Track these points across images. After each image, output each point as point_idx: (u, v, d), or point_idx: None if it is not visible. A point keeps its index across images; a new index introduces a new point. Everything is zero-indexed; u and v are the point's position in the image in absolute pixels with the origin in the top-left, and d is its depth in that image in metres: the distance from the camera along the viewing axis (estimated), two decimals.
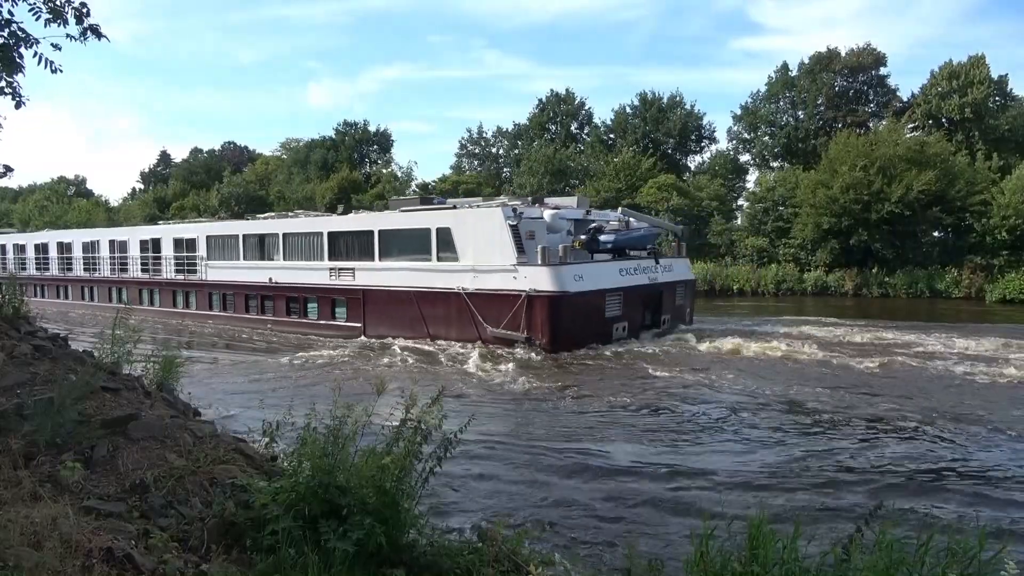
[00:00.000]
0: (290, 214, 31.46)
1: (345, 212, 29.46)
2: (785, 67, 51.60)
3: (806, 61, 50.71)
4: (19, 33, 5.69)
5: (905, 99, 48.85)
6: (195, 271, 29.92)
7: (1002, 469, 9.61)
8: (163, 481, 4.58)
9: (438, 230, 21.54)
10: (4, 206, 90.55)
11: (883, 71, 50.25)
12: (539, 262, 19.27)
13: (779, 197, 42.62)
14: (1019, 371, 15.49)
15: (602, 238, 21.91)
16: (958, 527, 6.01)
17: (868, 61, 49.21)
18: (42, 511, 3.81)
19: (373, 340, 22.27)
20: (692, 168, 57.10)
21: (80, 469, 4.48)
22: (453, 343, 20.67)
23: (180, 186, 75.55)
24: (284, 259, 26.21)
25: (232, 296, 28.30)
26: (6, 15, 5.70)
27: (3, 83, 5.74)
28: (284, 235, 26.44)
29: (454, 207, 22.80)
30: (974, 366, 16.29)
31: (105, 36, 5.95)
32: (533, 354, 18.72)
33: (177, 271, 30.85)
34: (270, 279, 26.51)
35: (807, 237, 39.63)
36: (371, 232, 23.51)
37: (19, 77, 5.87)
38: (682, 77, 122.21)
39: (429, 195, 27.17)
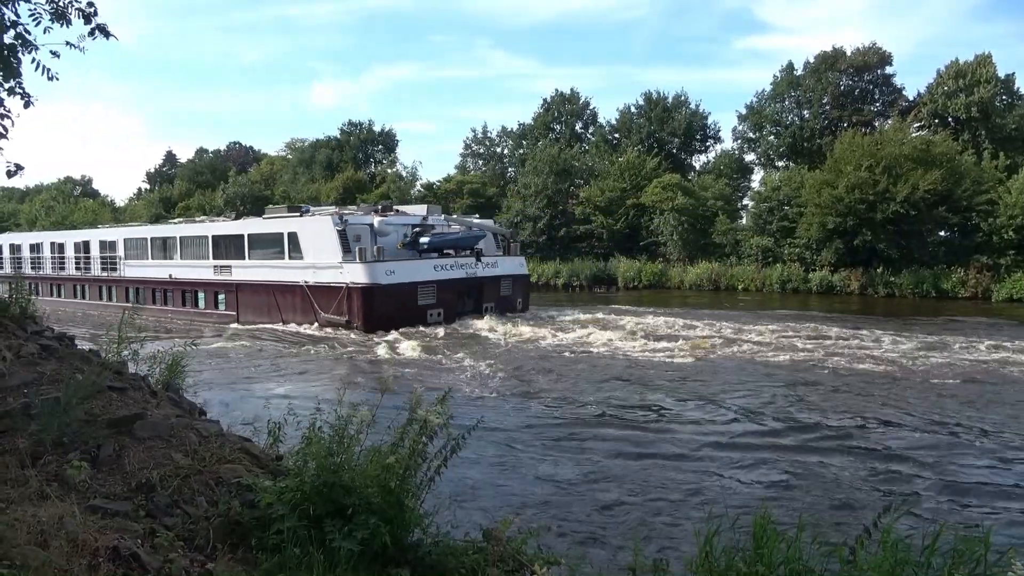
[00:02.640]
0: (197, 219, 37.50)
1: (238, 217, 35.63)
2: (790, 66, 51.36)
3: (811, 60, 50.44)
4: (25, 34, 5.67)
5: (911, 98, 48.58)
6: (115, 269, 35.05)
7: (1007, 469, 9.57)
8: (169, 480, 4.59)
9: (288, 234, 25.93)
10: (11, 206, 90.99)
11: (889, 70, 49.98)
12: (356, 260, 23.19)
13: (784, 197, 42.39)
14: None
15: (421, 240, 25.78)
16: (965, 527, 5.99)
17: (874, 60, 48.95)
18: (49, 510, 3.82)
19: (243, 326, 26.44)
20: (697, 168, 56.92)
21: (86, 468, 4.49)
22: (297, 326, 24.95)
23: (185, 186, 75.80)
24: (180, 258, 31.16)
25: (143, 290, 33.19)
26: (11, 16, 5.68)
27: (12, 84, 5.72)
28: (180, 238, 31.38)
29: (301, 215, 26.98)
30: (982, 365, 16.23)
31: (113, 35, 5.93)
32: (354, 334, 22.50)
33: (102, 269, 36.05)
34: (170, 275, 31.36)
35: (812, 237, 39.43)
36: (242, 236, 28.10)
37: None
38: (687, 76, 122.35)
39: (298, 205, 31.85)
